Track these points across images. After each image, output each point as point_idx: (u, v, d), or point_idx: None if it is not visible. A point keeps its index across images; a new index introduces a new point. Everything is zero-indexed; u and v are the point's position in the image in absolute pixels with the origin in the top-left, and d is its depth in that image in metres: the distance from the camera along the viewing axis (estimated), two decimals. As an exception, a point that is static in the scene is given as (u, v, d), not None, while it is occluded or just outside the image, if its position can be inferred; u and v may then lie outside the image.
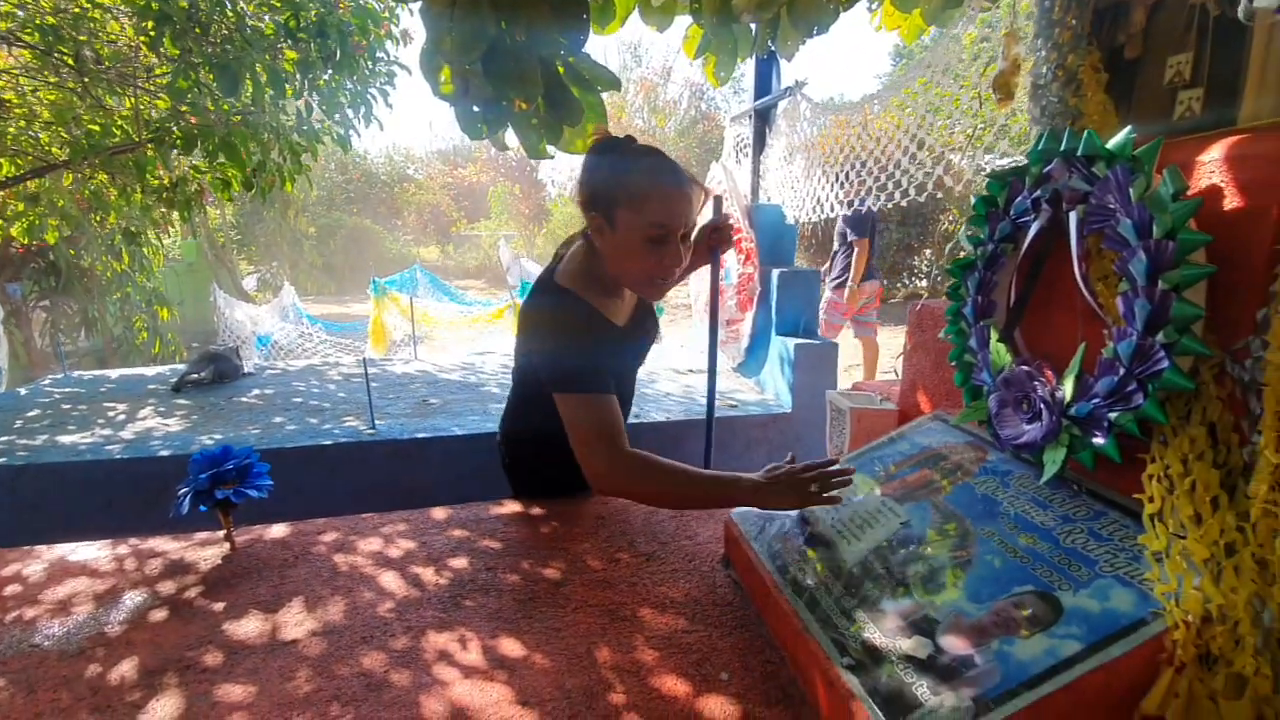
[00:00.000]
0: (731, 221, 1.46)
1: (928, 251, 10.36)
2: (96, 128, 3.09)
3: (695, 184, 1.16)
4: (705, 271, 1.59)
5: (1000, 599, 0.75)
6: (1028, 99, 1.03)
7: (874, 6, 1.89)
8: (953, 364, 1.10)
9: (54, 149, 3.45)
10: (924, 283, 10.52)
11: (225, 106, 2.73)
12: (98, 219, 4.30)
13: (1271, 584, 0.63)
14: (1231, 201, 0.74)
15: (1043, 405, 0.89)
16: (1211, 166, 0.77)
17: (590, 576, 1.11)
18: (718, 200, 1.54)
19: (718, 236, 1.50)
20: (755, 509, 1.14)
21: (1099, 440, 0.81)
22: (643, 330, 1.37)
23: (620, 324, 1.28)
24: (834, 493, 1.03)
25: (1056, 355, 0.94)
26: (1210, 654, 0.65)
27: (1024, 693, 0.64)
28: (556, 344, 1.18)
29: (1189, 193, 0.76)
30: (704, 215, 1.44)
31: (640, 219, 1.11)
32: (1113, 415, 0.79)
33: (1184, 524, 0.71)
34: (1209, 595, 0.66)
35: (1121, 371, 0.78)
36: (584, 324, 1.18)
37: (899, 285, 10.58)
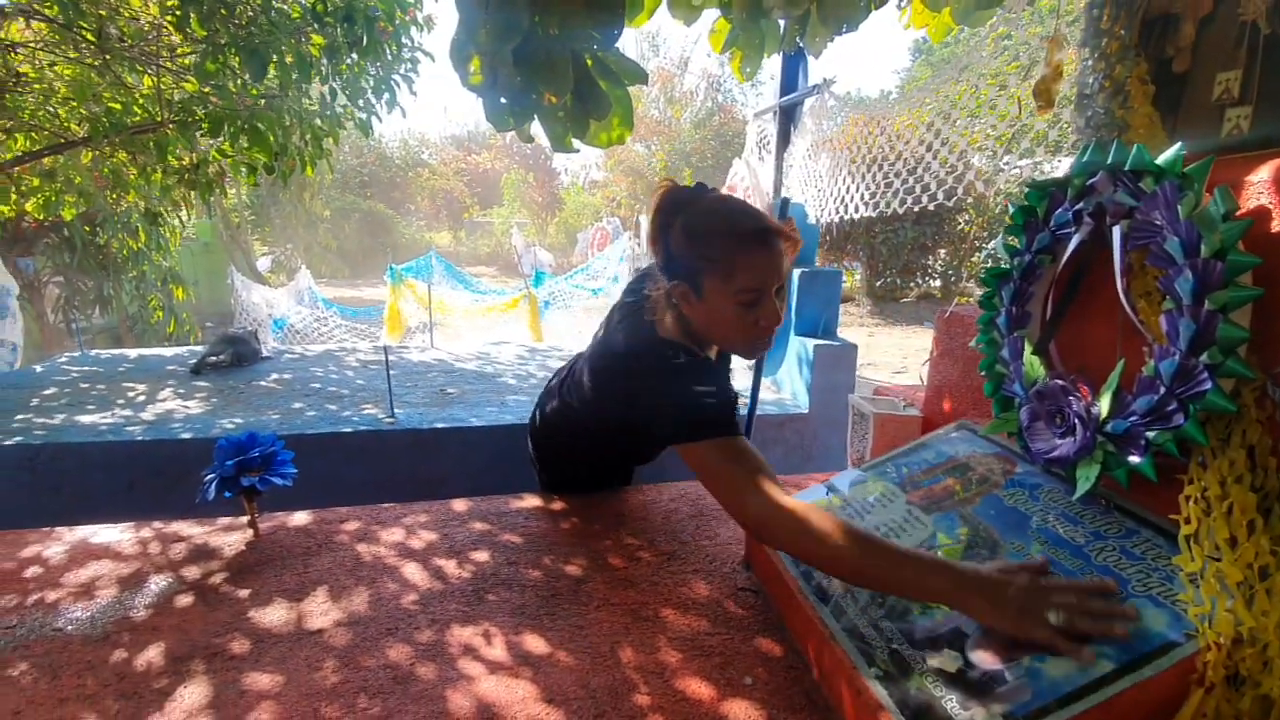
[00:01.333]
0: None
1: (942, 251, 10.28)
2: (117, 106, 3.09)
3: (783, 235, 1.06)
4: None
5: (1031, 616, 0.74)
6: (1073, 109, 1.01)
7: (903, 4, 1.87)
8: (982, 374, 1.09)
9: (72, 125, 3.46)
10: (937, 283, 10.45)
11: (254, 91, 2.73)
12: (115, 197, 4.32)
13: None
14: (1279, 223, 0.73)
15: (1077, 420, 0.88)
16: (1260, 187, 0.75)
17: (612, 574, 1.11)
18: (784, 202, 1.53)
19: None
20: None
21: (1135, 459, 0.81)
22: (728, 364, 1.32)
23: (715, 363, 1.22)
24: (1090, 630, 0.69)
25: (1092, 370, 0.93)
26: (1239, 676, 0.64)
27: (1056, 710, 0.64)
28: (679, 397, 1.05)
29: (1238, 213, 0.75)
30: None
31: (730, 286, 1.03)
32: (1151, 434, 0.79)
33: (1219, 546, 0.71)
34: (1240, 618, 0.65)
35: (1162, 390, 0.77)
36: (702, 376, 1.08)
37: (912, 285, 10.51)
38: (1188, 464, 0.77)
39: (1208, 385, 0.72)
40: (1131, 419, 0.80)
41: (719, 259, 1.03)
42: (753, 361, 1.26)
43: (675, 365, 1.07)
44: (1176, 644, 0.67)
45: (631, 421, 1.18)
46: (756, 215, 1.07)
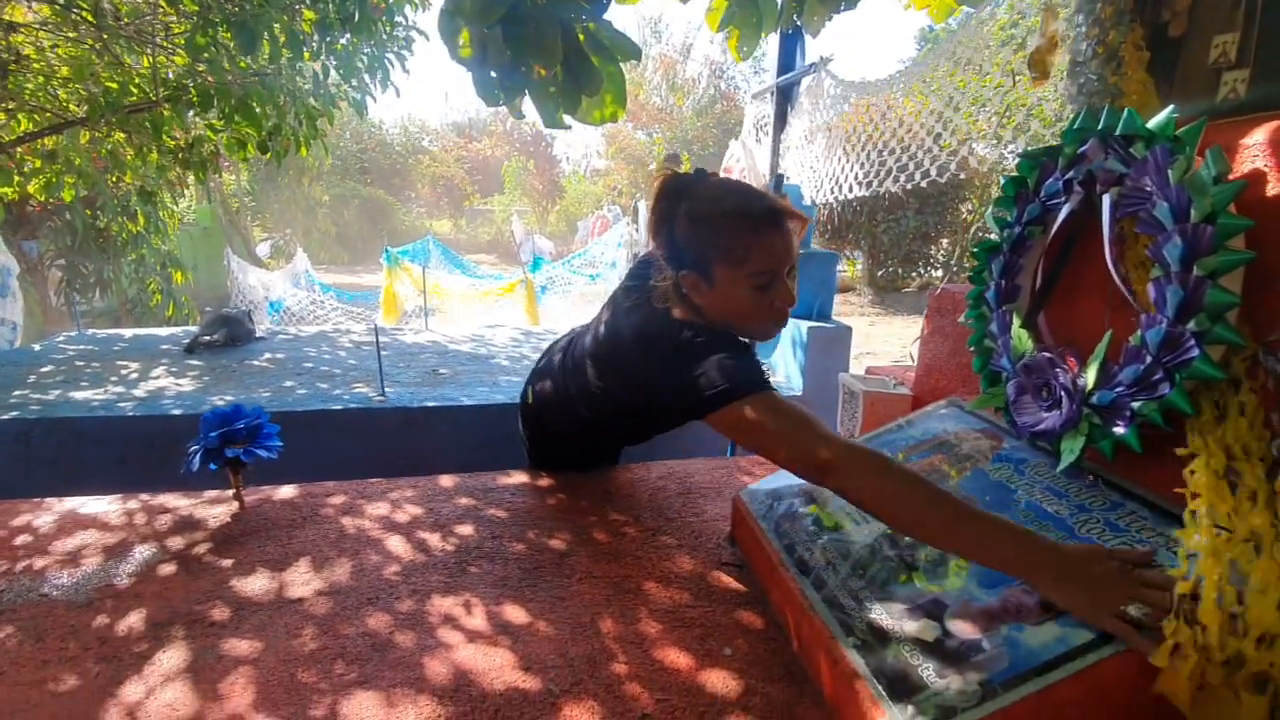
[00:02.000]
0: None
1: (944, 241, 10.21)
2: (114, 85, 3.07)
3: (791, 215, 1.04)
4: None
5: (1011, 586, 0.74)
6: (1065, 77, 0.99)
7: (904, -16, 1.84)
8: (971, 349, 1.08)
9: (71, 105, 3.44)
10: (939, 273, 10.40)
11: (243, 65, 2.70)
12: (114, 179, 4.29)
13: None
14: (1274, 185, 0.71)
15: (1063, 392, 0.87)
16: (1255, 150, 0.74)
17: (596, 548, 1.11)
18: (779, 179, 1.51)
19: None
20: (762, 491, 1.14)
21: (1120, 429, 0.80)
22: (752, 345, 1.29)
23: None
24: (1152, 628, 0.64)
25: (1081, 342, 0.91)
26: (1233, 652, 0.63)
27: (1033, 678, 0.63)
28: (711, 364, 1.00)
29: (1231, 176, 0.73)
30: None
31: (742, 271, 1.01)
32: (1136, 404, 0.77)
33: (1218, 519, 0.69)
34: (1225, 594, 0.64)
35: (1148, 360, 0.76)
36: (729, 342, 1.04)
37: (914, 275, 10.46)
38: (1174, 435, 0.76)
39: (1194, 353, 0.71)
40: (1117, 390, 0.79)
41: (729, 244, 1.01)
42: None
43: (697, 341, 1.03)
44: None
45: (649, 405, 1.16)
46: (762, 196, 1.05)
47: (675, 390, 1.04)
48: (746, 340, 1.11)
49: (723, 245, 1.02)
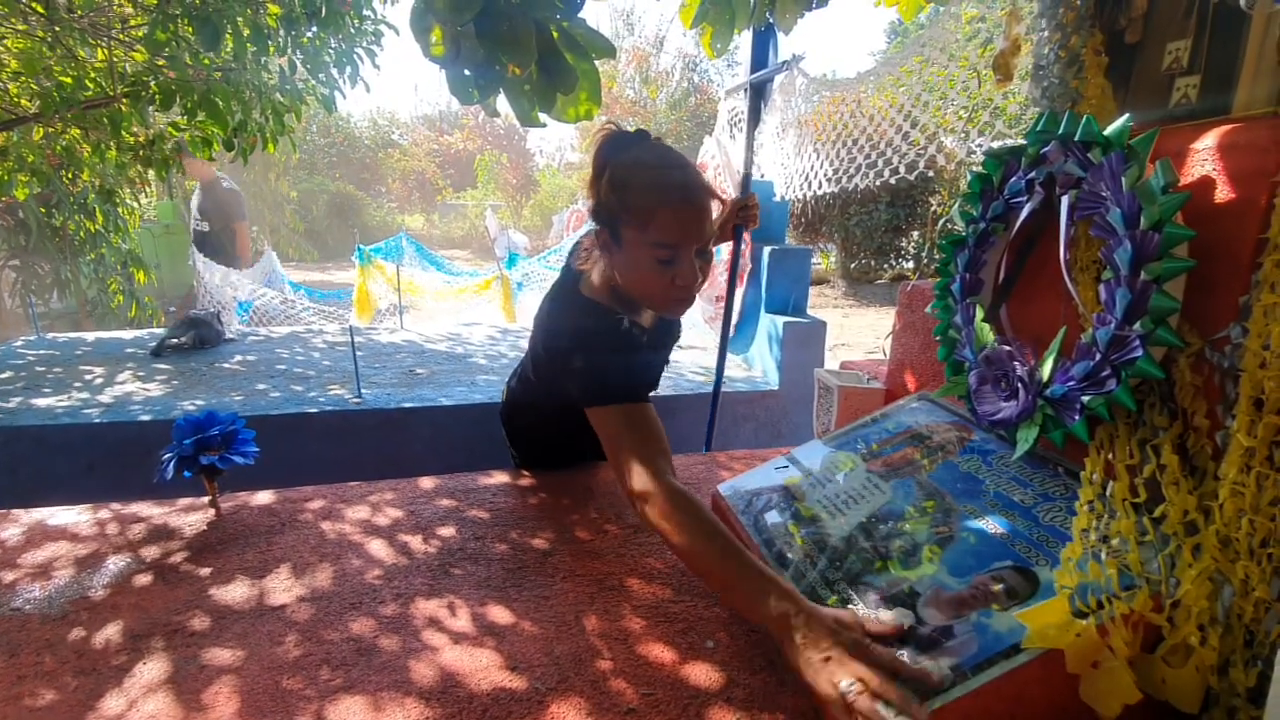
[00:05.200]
0: (724, 196, 1.43)
1: (915, 233, 10.39)
2: (68, 80, 2.97)
3: (708, 193, 1.05)
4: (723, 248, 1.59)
5: (980, 573, 0.77)
6: (1029, 80, 1.02)
7: (874, -19, 1.87)
8: (937, 339, 1.11)
9: (23, 101, 3.32)
10: (910, 264, 10.57)
11: (205, 61, 2.63)
12: (69, 176, 4.15)
13: (1234, 561, 0.66)
14: (1221, 190, 0.75)
15: (1020, 384, 0.91)
16: (1204, 155, 0.78)
17: (578, 547, 1.12)
18: (745, 178, 1.53)
19: (744, 214, 1.48)
20: (741, 487, 1.16)
21: (1070, 421, 0.83)
22: (668, 331, 1.31)
23: (647, 325, 1.21)
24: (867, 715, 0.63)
25: (1039, 336, 0.95)
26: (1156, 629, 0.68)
27: (1001, 661, 0.66)
28: (587, 358, 1.08)
29: (1180, 183, 0.77)
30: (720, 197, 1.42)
31: (645, 238, 1.01)
32: (1086, 398, 0.81)
33: (1124, 505, 0.74)
34: (1137, 570, 0.69)
35: (1098, 357, 0.80)
36: (615, 338, 1.09)
37: (886, 267, 10.62)
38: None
39: (1139, 353, 0.74)
40: (1069, 384, 0.83)
41: (637, 207, 1.01)
42: (716, 336, 1.28)
43: (593, 326, 1.08)
44: (1114, 598, 0.70)
45: (561, 380, 1.18)
46: (685, 170, 1.05)
47: (566, 372, 1.10)
48: (643, 327, 1.15)
49: (631, 207, 1.02)
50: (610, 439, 1.01)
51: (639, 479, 0.93)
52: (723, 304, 2.96)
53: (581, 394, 1.06)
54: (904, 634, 0.73)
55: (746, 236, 1.46)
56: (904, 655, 0.71)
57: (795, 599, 0.75)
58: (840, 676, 0.66)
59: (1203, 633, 0.65)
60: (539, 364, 1.27)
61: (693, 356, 2.89)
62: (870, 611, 0.78)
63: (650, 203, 1.00)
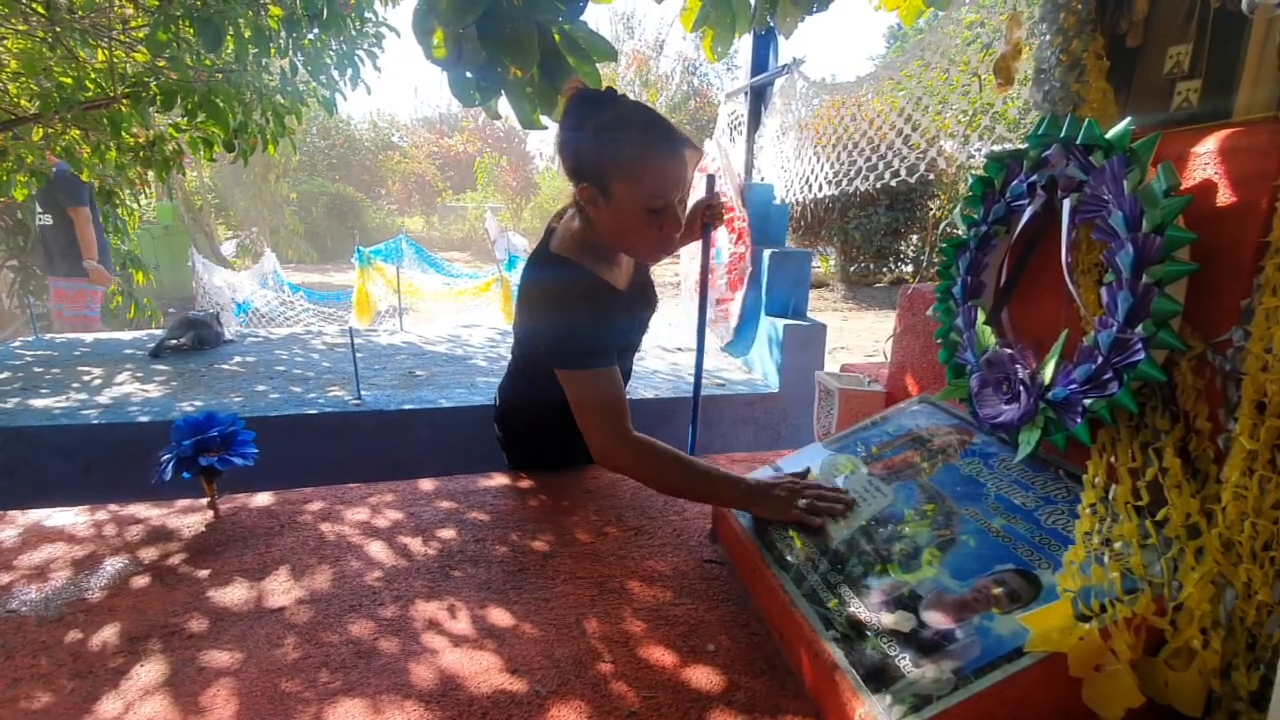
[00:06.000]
0: (724, 199, 1.45)
1: (915, 237, 10.40)
2: (69, 80, 2.96)
3: (689, 144, 1.12)
4: (695, 249, 1.59)
5: (982, 576, 0.77)
6: (1030, 84, 1.03)
7: (874, -15, 1.87)
8: (938, 341, 1.11)
9: (22, 101, 3.31)
10: (910, 267, 10.58)
11: (207, 62, 2.63)
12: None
13: (1237, 564, 0.66)
14: (1222, 193, 0.75)
15: (1021, 387, 0.91)
16: (1205, 159, 0.78)
17: (579, 549, 1.12)
18: (710, 178, 1.53)
19: (710, 213, 1.49)
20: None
21: (1072, 424, 0.83)
22: (644, 299, 1.35)
23: (622, 289, 1.25)
24: (817, 517, 0.97)
25: (1040, 339, 0.95)
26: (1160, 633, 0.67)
27: (1003, 665, 0.66)
28: (558, 318, 1.15)
29: (1182, 186, 0.77)
30: (696, 192, 1.43)
31: (638, 191, 1.06)
32: (1087, 401, 0.81)
33: (1125, 509, 0.74)
34: (1139, 573, 0.69)
35: (1099, 360, 0.79)
36: (586, 296, 1.15)
37: (885, 270, 10.63)
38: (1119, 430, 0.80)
39: (1141, 356, 0.74)
40: (1071, 387, 0.82)
41: (629, 163, 1.06)
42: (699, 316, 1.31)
43: (565, 285, 1.15)
44: (1117, 601, 0.69)
45: (536, 343, 1.24)
46: (667, 124, 1.11)
47: (540, 330, 1.20)
48: (614, 288, 1.20)
49: (625, 162, 1.06)
50: (577, 401, 1.12)
51: (604, 436, 1.10)
52: (723, 306, 2.97)
53: (551, 354, 1.15)
54: (906, 636, 0.73)
55: (714, 235, 1.48)
56: (906, 659, 0.71)
57: (746, 480, 1.06)
58: (794, 500, 1.00)
59: (1205, 636, 0.65)
60: (519, 340, 1.31)
61: (692, 359, 2.88)
62: (872, 615, 0.78)
63: (644, 156, 1.06)
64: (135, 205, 5.17)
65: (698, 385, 1.61)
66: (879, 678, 0.70)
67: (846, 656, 0.74)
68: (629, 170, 1.06)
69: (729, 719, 0.75)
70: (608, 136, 1.07)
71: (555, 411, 1.25)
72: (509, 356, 1.45)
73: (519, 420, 1.43)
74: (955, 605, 0.75)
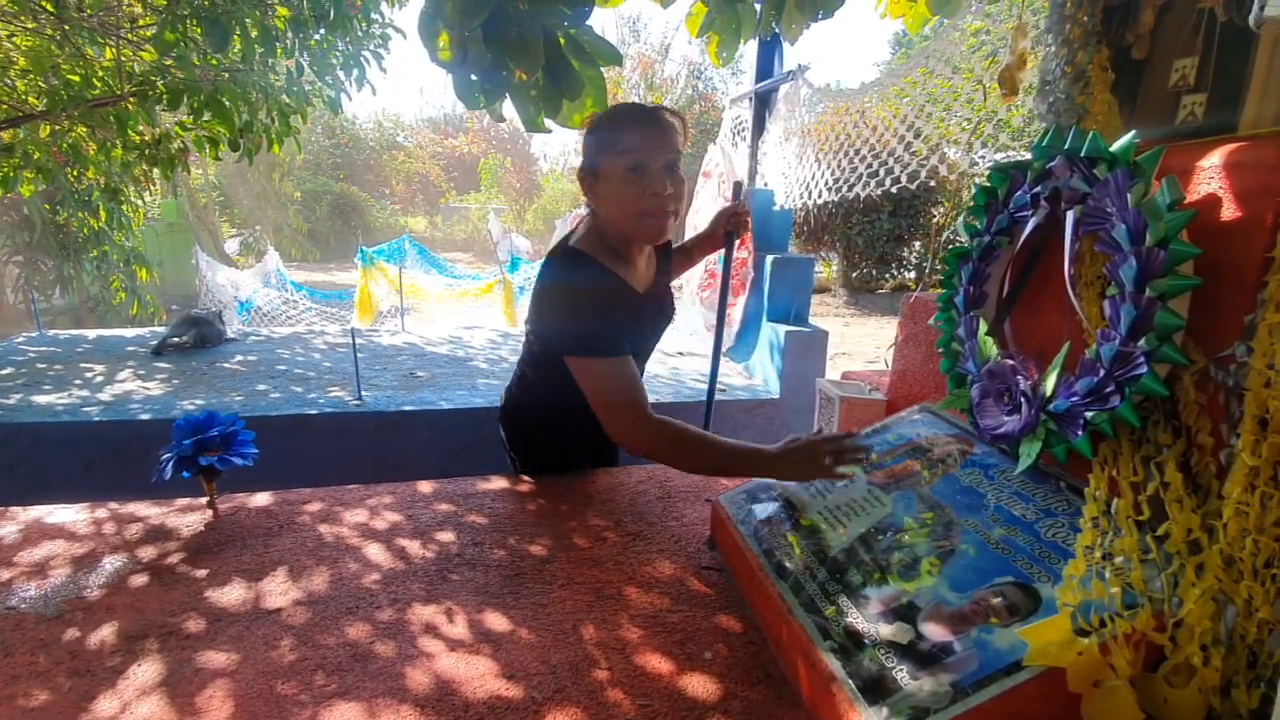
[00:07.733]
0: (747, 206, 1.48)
1: (917, 244, 10.40)
2: (76, 78, 2.98)
3: (668, 111, 1.18)
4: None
5: (981, 588, 0.77)
6: (1035, 94, 1.03)
7: (880, -7, 1.87)
8: (940, 350, 1.11)
9: (30, 98, 3.33)
10: (912, 274, 10.58)
11: (214, 62, 2.65)
12: (74, 174, 4.17)
13: (1238, 581, 0.65)
14: (1227, 208, 0.75)
15: (1023, 399, 0.90)
16: (1210, 173, 0.77)
17: (577, 554, 1.12)
18: (737, 185, 1.53)
19: (735, 220, 1.50)
20: (741, 496, 1.16)
21: (1074, 437, 0.83)
22: (660, 307, 1.36)
23: (640, 291, 1.28)
24: (847, 468, 1.02)
25: (1042, 351, 0.95)
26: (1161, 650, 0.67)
27: (1001, 679, 0.65)
28: (574, 308, 1.18)
29: (1186, 200, 0.77)
30: (717, 203, 1.44)
31: (614, 154, 1.13)
32: (1089, 414, 0.81)
33: (1125, 522, 0.74)
34: (1140, 589, 0.68)
35: (1101, 373, 0.79)
36: (601, 287, 1.18)
37: (887, 276, 10.63)
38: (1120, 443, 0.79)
39: (1143, 369, 0.74)
40: (1073, 399, 0.82)
41: (604, 136, 1.16)
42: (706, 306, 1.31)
43: (581, 277, 1.18)
44: (1117, 616, 0.69)
45: (550, 335, 1.25)
46: (644, 103, 1.20)
47: (556, 321, 1.22)
48: (629, 285, 1.23)
49: (600, 136, 1.16)
50: (594, 390, 1.15)
51: (625, 422, 1.13)
52: (730, 311, 2.97)
53: (566, 344, 1.16)
54: (904, 648, 0.73)
55: (740, 243, 1.49)
56: (904, 671, 0.70)
57: (766, 452, 1.06)
58: (820, 460, 1.02)
59: (1205, 653, 0.64)
60: (533, 333, 1.32)
61: (694, 364, 2.88)
62: (870, 625, 0.77)
63: (614, 124, 1.16)
64: (140, 202, 5.19)
65: (711, 390, 1.60)
66: (876, 689, 0.70)
67: (844, 667, 0.74)
68: (606, 142, 1.15)
69: (725, 728, 0.75)
70: (593, 127, 1.19)
71: (563, 413, 1.26)
72: (511, 359, 1.46)
73: (526, 421, 1.43)
74: (954, 617, 0.75)
